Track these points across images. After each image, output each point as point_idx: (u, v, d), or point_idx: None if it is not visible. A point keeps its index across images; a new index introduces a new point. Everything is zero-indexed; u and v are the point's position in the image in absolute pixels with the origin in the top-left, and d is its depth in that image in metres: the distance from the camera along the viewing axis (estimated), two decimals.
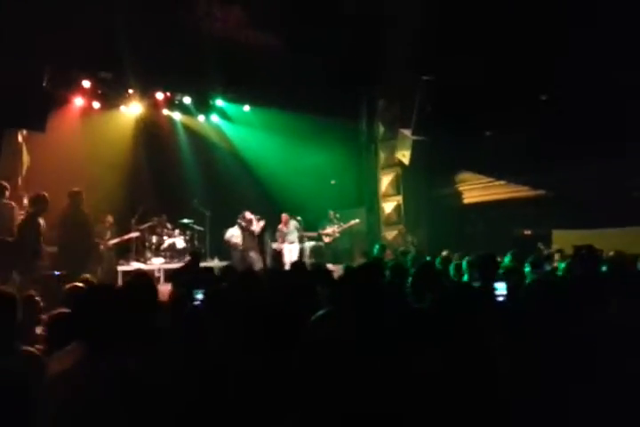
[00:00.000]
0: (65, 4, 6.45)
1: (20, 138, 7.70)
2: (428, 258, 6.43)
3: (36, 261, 6.50)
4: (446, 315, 2.28)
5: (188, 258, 7.37)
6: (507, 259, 5.11)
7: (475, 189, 10.28)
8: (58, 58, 6.91)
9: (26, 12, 6.13)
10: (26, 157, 7.66)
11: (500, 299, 3.68)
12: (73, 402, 1.86)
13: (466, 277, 4.70)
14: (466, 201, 10.42)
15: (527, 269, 4.78)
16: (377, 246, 7.92)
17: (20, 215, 6.75)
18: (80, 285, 3.89)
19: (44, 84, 6.95)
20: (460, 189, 10.50)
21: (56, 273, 6.33)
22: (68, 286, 3.92)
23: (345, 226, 10.71)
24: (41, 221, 6.50)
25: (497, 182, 9.87)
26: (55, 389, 1.91)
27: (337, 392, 1.75)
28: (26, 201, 7.06)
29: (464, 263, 5.03)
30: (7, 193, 6.47)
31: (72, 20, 6.65)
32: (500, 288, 3.85)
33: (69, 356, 2.03)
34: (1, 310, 2.46)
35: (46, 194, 6.58)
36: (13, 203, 6.56)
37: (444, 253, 6.33)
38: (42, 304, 3.78)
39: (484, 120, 9.07)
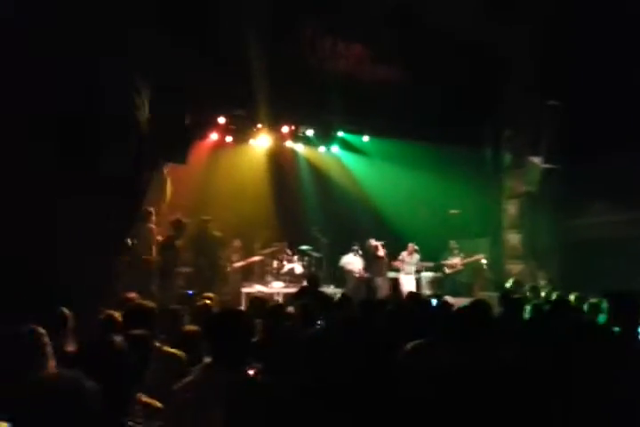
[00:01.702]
0: (199, 51, 7.15)
1: (165, 170, 8.63)
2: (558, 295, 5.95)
3: (173, 280, 7.15)
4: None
5: (304, 282, 7.58)
6: None
7: (613, 222, 9.33)
8: (199, 100, 7.69)
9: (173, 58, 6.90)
10: (169, 187, 8.54)
11: None
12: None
13: (602, 319, 4.27)
14: (603, 234, 9.48)
15: None
16: (511, 281, 7.54)
17: (159, 237, 7.52)
18: (207, 302, 4.20)
19: (186, 122, 7.76)
20: (596, 220, 9.60)
21: (190, 292, 6.87)
22: (198, 303, 4.24)
23: (470, 259, 10.31)
24: (179, 243, 7.16)
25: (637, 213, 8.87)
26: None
27: None
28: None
29: (603, 303, 4.59)
30: (152, 218, 7.25)
31: (209, 65, 7.39)
32: None
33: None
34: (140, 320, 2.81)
35: (184, 220, 7.26)
36: (154, 226, 7.33)
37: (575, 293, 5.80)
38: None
39: (621, 146, 8.30)
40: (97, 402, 1.30)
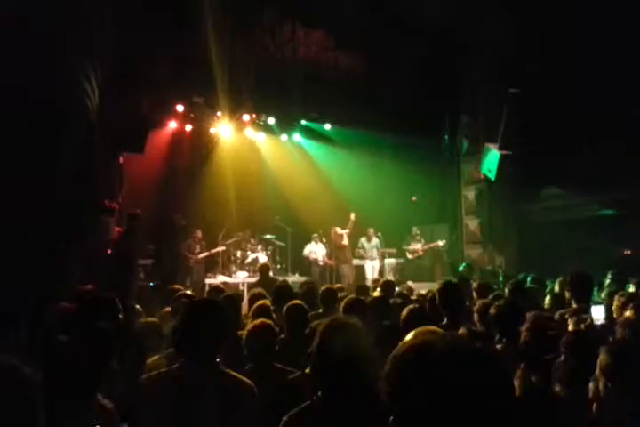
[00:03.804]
0: (156, 37, 6.94)
1: (120, 160, 8.36)
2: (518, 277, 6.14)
3: (133, 273, 6.98)
4: None
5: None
6: (607, 280, 4.75)
7: (564, 206, 9.71)
8: (156, 86, 7.46)
9: (127, 44, 6.66)
10: (124, 177, 8.29)
11: (599, 323, 3.43)
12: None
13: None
14: (555, 218, 9.85)
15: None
16: (463, 265, 7.71)
17: (117, 229, 7.32)
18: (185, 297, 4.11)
19: (142, 110, 7.53)
20: (549, 205, 9.96)
21: (151, 284, 6.74)
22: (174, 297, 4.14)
23: (431, 245, 10.50)
24: (137, 235, 6.99)
25: (587, 198, 9.26)
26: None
27: None
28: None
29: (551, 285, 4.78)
30: (113, 211, 7.04)
31: (167, 51, 7.19)
32: (597, 313, 3.58)
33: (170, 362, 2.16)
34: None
35: (140, 212, 7.08)
36: (112, 218, 7.13)
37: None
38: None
39: (574, 134, 8.58)
40: (36, 392, 1.20)
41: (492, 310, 3.01)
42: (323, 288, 4.46)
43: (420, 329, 1.03)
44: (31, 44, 4.82)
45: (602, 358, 1.81)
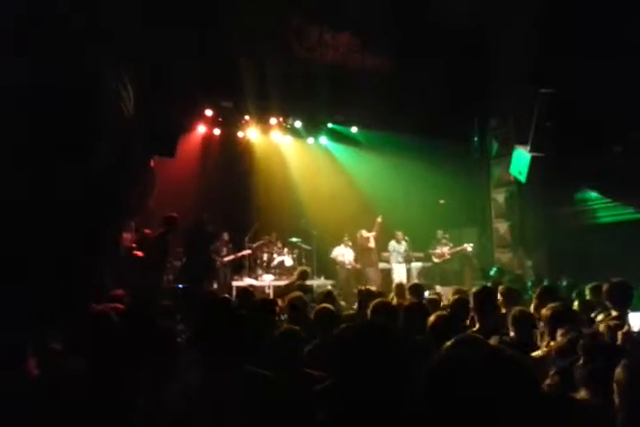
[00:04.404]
0: (184, 41, 7.03)
1: (152, 163, 8.51)
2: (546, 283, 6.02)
3: (162, 275, 7.09)
4: None
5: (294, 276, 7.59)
6: None
7: (599, 209, 9.44)
8: (185, 91, 7.58)
9: (156, 48, 6.76)
10: (156, 181, 8.43)
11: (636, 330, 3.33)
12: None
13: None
14: (588, 221, 9.59)
15: None
16: (494, 269, 7.58)
17: (148, 232, 7.47)
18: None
19: (172, 114, 7.65)
20: (583, 208, 9.70)
21: (180, 286, 6.83)
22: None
23: (458, 249, 10.36)
24: (169, 238, 7.10)
25: (623, 201, 8.98)
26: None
27: None
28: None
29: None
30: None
31: (195, 55, 7.28)
32: (636, 320, 3.48)
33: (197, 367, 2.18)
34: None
35: (176, 215, 7.19)
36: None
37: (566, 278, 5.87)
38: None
39: (609, 135, 8.35)
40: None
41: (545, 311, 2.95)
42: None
43: (459, 337, 1.01)
44: (65, 47, 4.93)
45: (618, 371, 1.75)
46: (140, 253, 7.26)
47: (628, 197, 8.81)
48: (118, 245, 6.86)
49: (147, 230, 7.74)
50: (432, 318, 3.19)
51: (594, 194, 9.49)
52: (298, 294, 4.36)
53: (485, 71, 9.58)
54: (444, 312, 3.37)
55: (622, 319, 3.37)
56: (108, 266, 6.03)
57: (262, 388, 2.05)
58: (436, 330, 3.02)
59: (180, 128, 7.60)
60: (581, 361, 2.22)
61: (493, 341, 2.75)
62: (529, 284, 6.84)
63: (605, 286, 3.78)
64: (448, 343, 1.76)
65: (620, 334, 3.11)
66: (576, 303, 4.40)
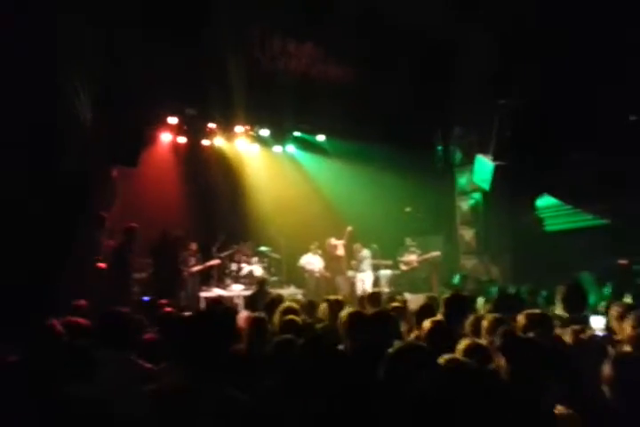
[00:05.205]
0: (147, 50, 6.93)
1: (114, 173, 8.31)
2: (512, 289, 6.13)
3: (127, 287, 6.90)
4: None
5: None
6: (606, 290, 4.74)
7: (560, 216, 9.73)
8: (148, 99, 7.45)
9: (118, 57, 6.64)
10: (119, 191, 8.24)
11: (599, 333, 3.42)
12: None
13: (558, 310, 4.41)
14: (550, 228, 9.86)
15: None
16: (458, 276, 7.66)
17: (111, 243, 7.26)
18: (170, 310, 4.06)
19: (135, 122, 7.50)
20: (544, 215, 9.97)
21: (145, 298, 6.66)
22: (160, 311, 4.10)
23: (426, 256, 10.46)
24: (132, 249, 6.93)
25: (583, 208, 9.28)
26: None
27: None
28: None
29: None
30: (104, 223, 6.99)
31: (159, 64, 7.18)
32: (597, 322, 3.57)
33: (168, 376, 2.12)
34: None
35: (136, 225, 7.02)
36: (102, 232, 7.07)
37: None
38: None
39: (567, 144, 8.63)
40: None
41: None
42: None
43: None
44: (22, 57, 4.80)
45: (605, 368, 1.80)
46: (102, 265, 7.06)
47: (587, 204, 9.11)
48: (81, 256, 6.64)
49: (109, 241, 7.54)
50: (427, 323, 3.22)
51: (555, 201, 9.78)
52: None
53: (448, 81, 9.78)
54: (439, 318, 3.43)
55: (579, 322, 3.44)
56: (67, 277, 5.84)
57: (235, 414, 2.01)
58: (433, 336, 3.08)
59: (141, 137, 7.45)
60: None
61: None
62: (493, 291, 6.94)
63: (560, 290, 3.86)
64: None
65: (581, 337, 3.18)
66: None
